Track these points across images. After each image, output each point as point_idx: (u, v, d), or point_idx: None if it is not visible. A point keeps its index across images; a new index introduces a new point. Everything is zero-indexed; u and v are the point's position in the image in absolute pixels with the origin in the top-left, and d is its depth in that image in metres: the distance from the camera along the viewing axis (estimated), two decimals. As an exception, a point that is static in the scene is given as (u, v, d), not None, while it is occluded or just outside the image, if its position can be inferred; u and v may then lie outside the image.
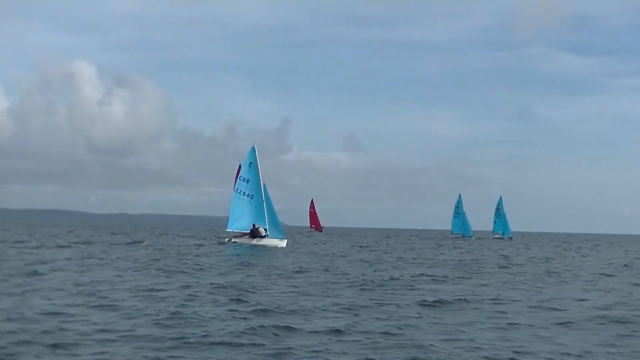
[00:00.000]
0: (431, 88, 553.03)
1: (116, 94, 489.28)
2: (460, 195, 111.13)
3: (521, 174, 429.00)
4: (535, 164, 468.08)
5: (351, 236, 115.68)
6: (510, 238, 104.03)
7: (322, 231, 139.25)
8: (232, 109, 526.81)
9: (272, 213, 58.06)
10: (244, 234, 57.20)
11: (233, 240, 57.07)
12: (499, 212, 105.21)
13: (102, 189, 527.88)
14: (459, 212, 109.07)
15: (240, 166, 64.08)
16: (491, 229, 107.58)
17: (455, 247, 67.57)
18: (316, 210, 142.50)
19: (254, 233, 56.33)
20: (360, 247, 64.47)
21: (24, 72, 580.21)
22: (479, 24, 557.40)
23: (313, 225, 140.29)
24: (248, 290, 21.75)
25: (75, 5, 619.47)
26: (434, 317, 17.29)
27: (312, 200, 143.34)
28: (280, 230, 58.49)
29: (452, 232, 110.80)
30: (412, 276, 29.10)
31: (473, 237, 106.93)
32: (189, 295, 20.06)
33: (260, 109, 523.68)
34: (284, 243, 57.20)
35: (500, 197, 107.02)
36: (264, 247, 54.50)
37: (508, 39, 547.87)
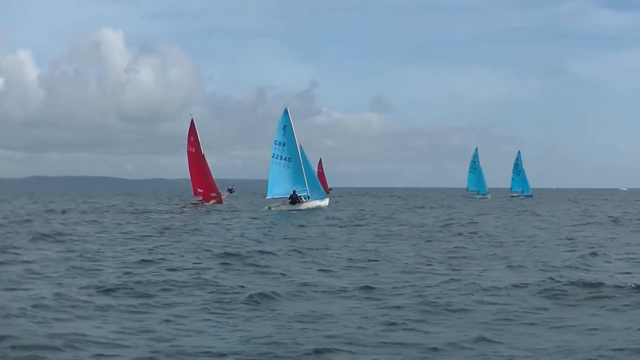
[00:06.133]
0: (464, 48, 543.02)
1: (144, 61, 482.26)
2: (477, 149, 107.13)
3: (556, 131, 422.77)
4: (570, 121, 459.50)
5: (349, 197, 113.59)
6: (530, 196, 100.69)
7: (329, 192, 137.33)
8: (259, 73, 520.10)
9: (311, 174, 57.29)
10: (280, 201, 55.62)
11: (273, 207, 54.93)
12: (518, 169, 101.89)
13: (137, 155, 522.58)
14: (475, 167, 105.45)
15: (192, 122, 62.42)
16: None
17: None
18: (324, 171, 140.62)
19: (294, 199, 54.51)
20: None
21: (53, 41, 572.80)
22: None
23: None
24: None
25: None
26: None
27: (320, 160, 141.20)
28: (321, 190, 58.11)
29: (467, 189, 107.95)
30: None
31: (488, 196, 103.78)
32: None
33: (289, 73, 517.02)
34: (325, 202, 56.94)
35: (519, 152, 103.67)
36: (307, 209, 53.16)
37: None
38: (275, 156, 55.62)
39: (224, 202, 61.47)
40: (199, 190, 62.57)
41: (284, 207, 54.07)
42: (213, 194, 61.76)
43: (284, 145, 55.69)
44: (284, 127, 55.94)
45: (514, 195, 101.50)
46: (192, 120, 62.44)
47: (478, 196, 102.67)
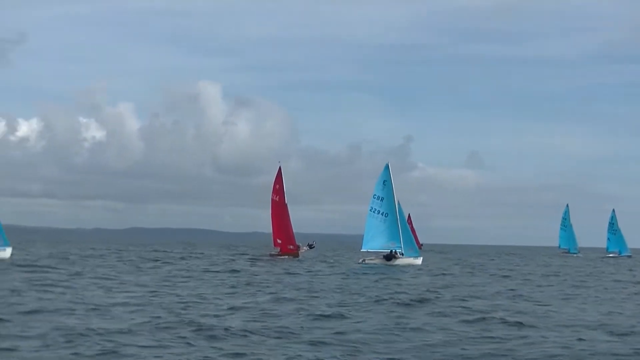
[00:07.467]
0: (558, 104, 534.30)
1: (240, 114, 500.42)
2: (567, 206, 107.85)
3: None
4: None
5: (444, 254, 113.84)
6: (629, 256, 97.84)
7: (420, 248, 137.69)
8: (354, 127, 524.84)
9: (406, 231, 57.93)
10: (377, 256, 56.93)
11: (367, 260, 56.49)
12: (613, 228, 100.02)
13: (233, 207, 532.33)
14: (566, 224, 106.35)
15: (279, 170, 62.29)
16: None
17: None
18: (414, 226, 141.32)
19: (389, 257, 55.77)
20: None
21: (152, 93, 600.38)
22: (607, 38, 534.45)
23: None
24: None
25: (202, 27, 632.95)
26: None
27: (409, 215, 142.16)
28: (416, 248, 58.76)
29: (559, 247, 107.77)
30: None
31: (580, 254, 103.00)
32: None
33: (384, 127, 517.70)
34: (419, 261, 57.12)
35: (613, 211, 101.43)
36: (399, 266, 54.20)
37: (637, 52, 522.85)
38: (372, 210, 57.32)
39: (300, 257, 60.59)
40: (278, 240, 61.72)
41: (377, 261, 55.69)
42: (290, 246, 61.03)
43: (382, 199, 57.37)
44: (383, 182, 57.62)
45: (610, 255, 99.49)
46: (279, 168, 62.47)
47: (573, 254, 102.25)
